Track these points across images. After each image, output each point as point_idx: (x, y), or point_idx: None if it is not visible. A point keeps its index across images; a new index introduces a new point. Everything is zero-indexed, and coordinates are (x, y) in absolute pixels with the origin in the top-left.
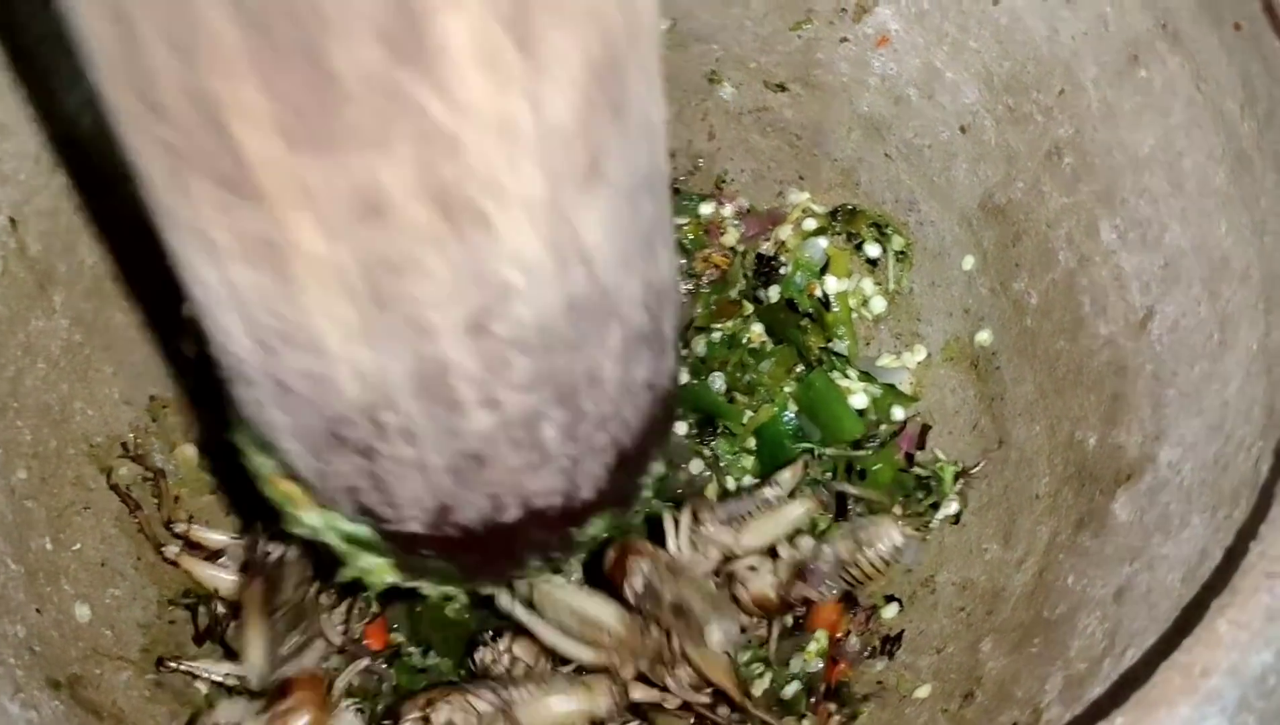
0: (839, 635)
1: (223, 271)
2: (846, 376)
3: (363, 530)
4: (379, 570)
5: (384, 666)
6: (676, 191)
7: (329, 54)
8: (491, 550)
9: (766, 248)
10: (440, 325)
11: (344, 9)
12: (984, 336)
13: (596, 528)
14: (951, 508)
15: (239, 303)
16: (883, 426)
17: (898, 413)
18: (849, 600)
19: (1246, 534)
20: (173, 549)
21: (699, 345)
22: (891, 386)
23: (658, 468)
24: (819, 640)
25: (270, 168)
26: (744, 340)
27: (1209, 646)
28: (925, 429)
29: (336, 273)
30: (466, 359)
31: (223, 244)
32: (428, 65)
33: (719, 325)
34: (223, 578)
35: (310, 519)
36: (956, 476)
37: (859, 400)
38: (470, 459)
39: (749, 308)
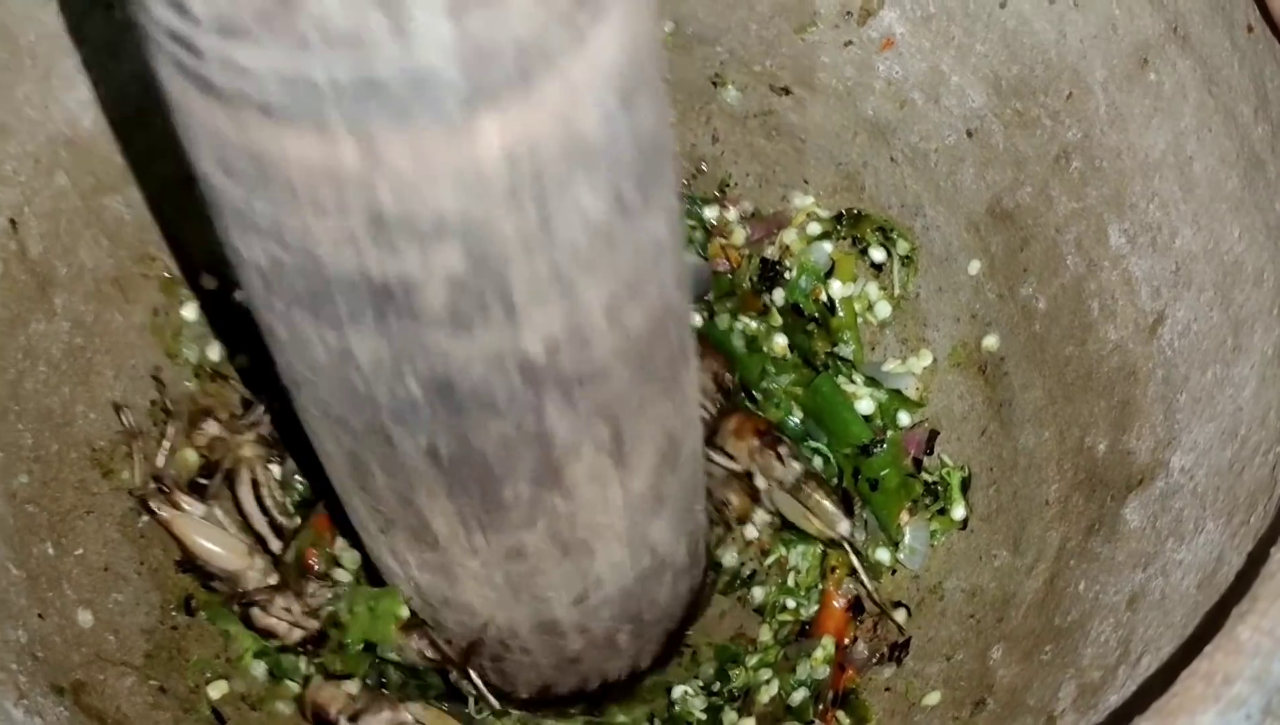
0: (846, 641)
1: (406, 571)
2: (852, 382)
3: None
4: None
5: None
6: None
7: (499, 492)
8: (576, 704)
9: (771, 252)
10: (554, 600)
11: (510, 471)
12: (991, 342)
13: (652, 680)
14: (958, 513)
15: (415, 586)
16: (889, 432)
17: (904, 418)
18: (856, 607)
19: (1267, 539)
20: (165, 511)
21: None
22: (897, 392)
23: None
24: (825, 647)
25: (450, 538)
26: (765, 348)
27: (1230, 654)
28: (933, 434)
29: (488, 580)
30: (570, 616)
31: (410, 561)
32: (561, 488)
33: (744, 317)
34: (206, 544)
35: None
36: (963, 482)
37: (865, 406)
38: (568, 660)
39: (765, 300)
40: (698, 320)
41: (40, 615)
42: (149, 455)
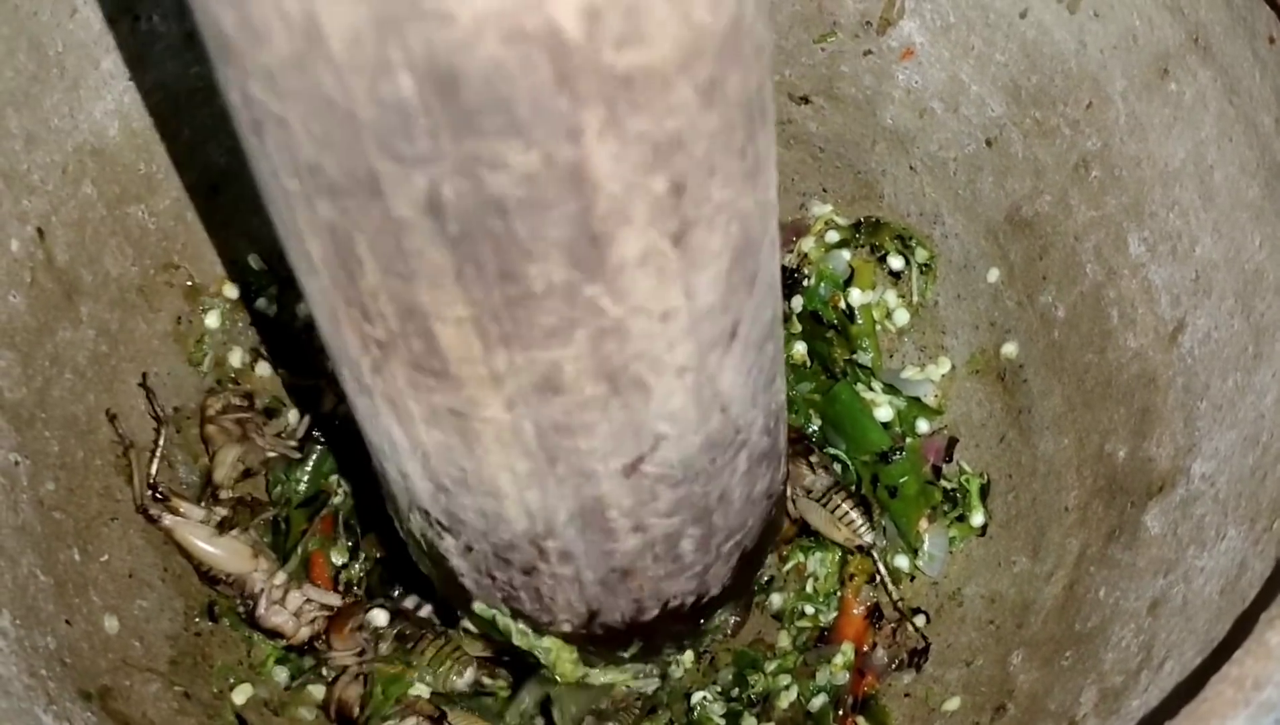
0: (865, 648)
1: (411, 433)
2: (871, 389)
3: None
4: (558, 654)
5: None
6: None
7: (526, 274)
8: (630, 641)
9: (789, 259)
10: (601, 471)
11: (540, 238)
12: (1010, 349)
13: (721, 617)
14: (977, 520)
15: (423, 456)
16: (908, 439)
17: (922, 426)
18: (875, 614)
19: None
20: (166, 518)
21: None
22: (916, 399)
23: (767, 558)
24: (845, 653)
25: (466, 361)
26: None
27: (1260, 659)
28: (952, 442)
29: (515, 435)
30: (621, 495)
31: (415, 413)
32: (606, 276)
33: None
34: (209, 549)
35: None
36: (982, 489)
37: (884, 413)
38: (619, 573)
39: (785, 308)
40: None
41: (68, 621)
42: (171, 462)
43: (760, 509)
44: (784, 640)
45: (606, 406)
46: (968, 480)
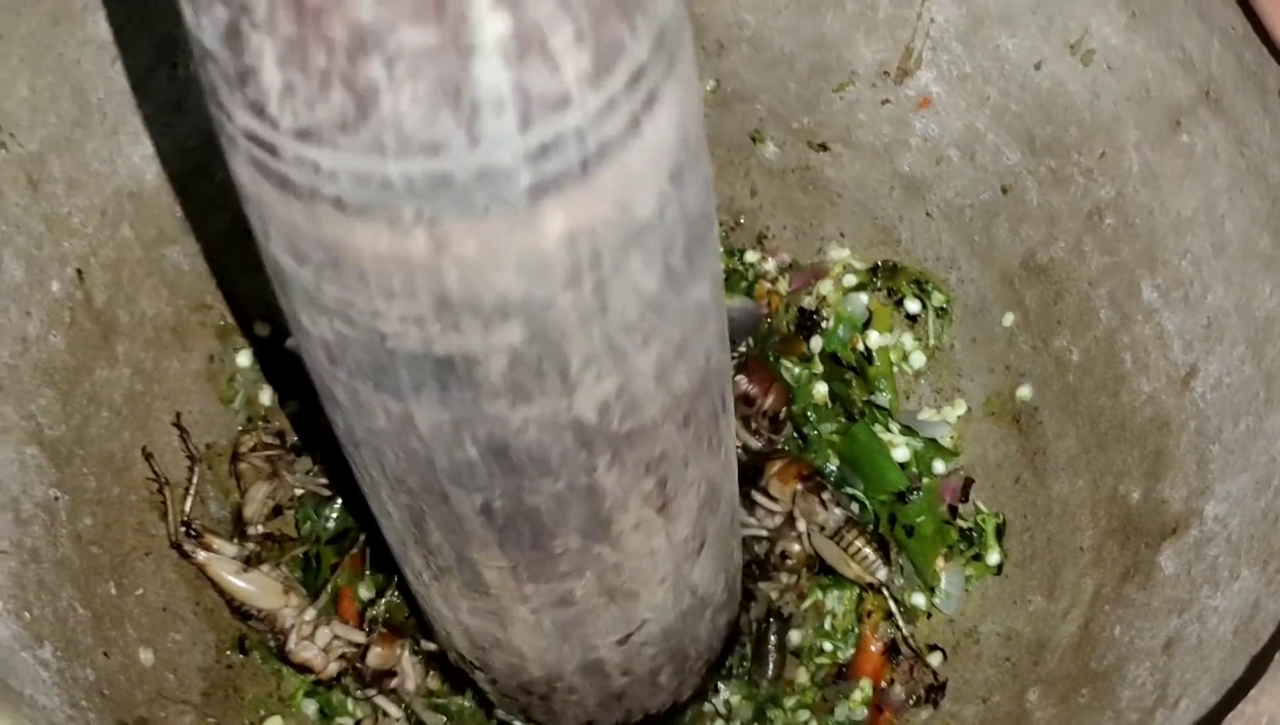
0: (883, 684)
1: (457, 616)
2: (889, 430)
3: None
4: None
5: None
6: None
7: (550, 544)
8: None
9: (808, 302)
10: (601, 644)
11: (561, 525)
12: (1025, 392)
13: (691, 713)
14: (993, 559)
15: (464, 630)
16: (925, 480)
17: (939, 466)
18: (892, 650)
19: None
20: (200, 554)
21: None
22: (933, 441)
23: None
24: (863, 689)
25: (503, 588)
26: (808, 395)
27: (1275, 698)
28: (968, 482)
29: (538, 626)
30: (615, 655)
31: (462, 608)
32: (608, 539)
33: (786, 361)
34: (241, 585)
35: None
36: (998, 529)
37: (901, 453)
38: (613, 696)
39: (806, 347)
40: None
41: (105, 654)
42: (203, 499)
43: (722, 634)
44: (803, 676)
45: (606, 609)
46: (984, 520)
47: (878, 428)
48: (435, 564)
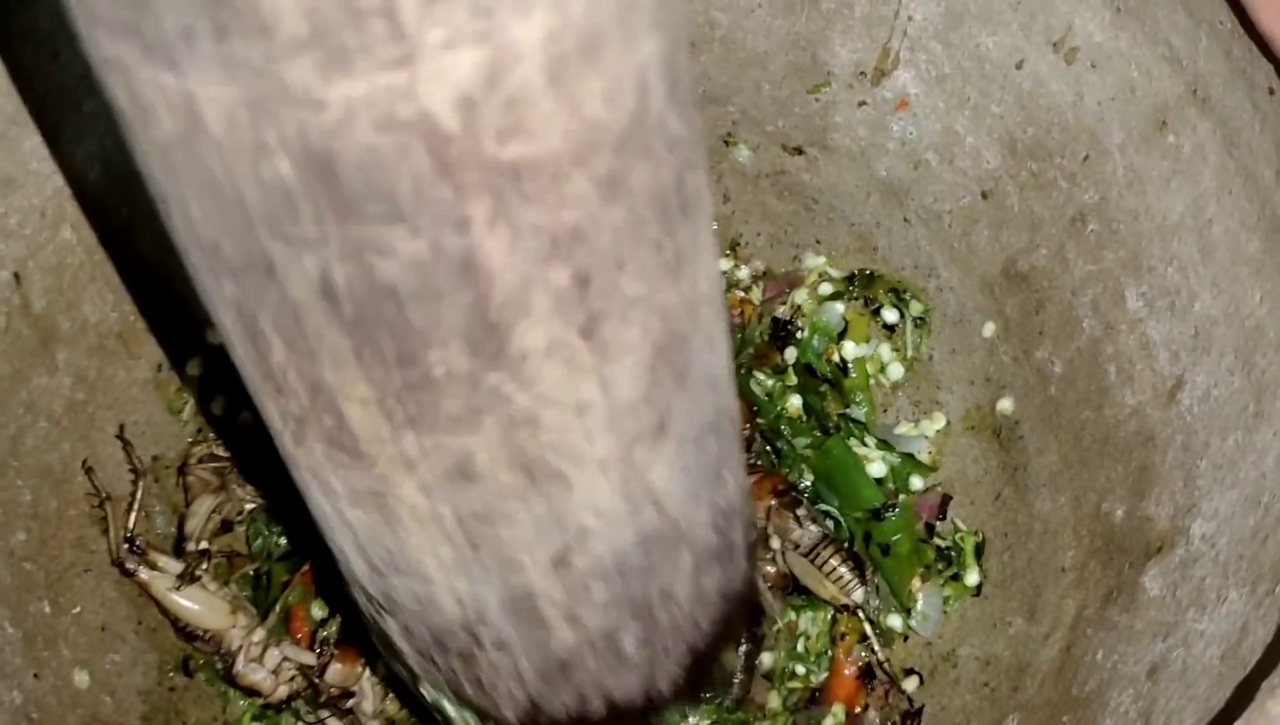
0: (856, 709)
1: (338, 510)
2: (864, 444)
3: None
4: None
5: None
6: None
7: (424, 359)
8: None
9: (782, 311)
10: (527, 562)
11: (435, 325)
12: (1006, 405)
13: (673, 716)
14: (972, 579)
15: (353, 534)
16: (901, 496)
17: (916, 482)
18: (866, 674)
19: None
20: (143, 572)
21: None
22: (910, 456)
23: (730, 659)
24: (836, 714)
25: (376, 441)
26: (780, 408)
27: None
28: (946, 499)
29: (435, 521)
30: (551, 587)
31: (338, 489)
32: (509, 365)
33: (759, 373)
34: (186, 604)
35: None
36: (977, 548)
37: (877, 468)
38: (557, 665)
39: (780, 358)
40: None
41: (36, 675)
42: (149, 513)
43: (713, 609)
44: (774, 701)
45: (525, 497)
46: (962, 539)
47: (853, 442)
48: (291, 412)
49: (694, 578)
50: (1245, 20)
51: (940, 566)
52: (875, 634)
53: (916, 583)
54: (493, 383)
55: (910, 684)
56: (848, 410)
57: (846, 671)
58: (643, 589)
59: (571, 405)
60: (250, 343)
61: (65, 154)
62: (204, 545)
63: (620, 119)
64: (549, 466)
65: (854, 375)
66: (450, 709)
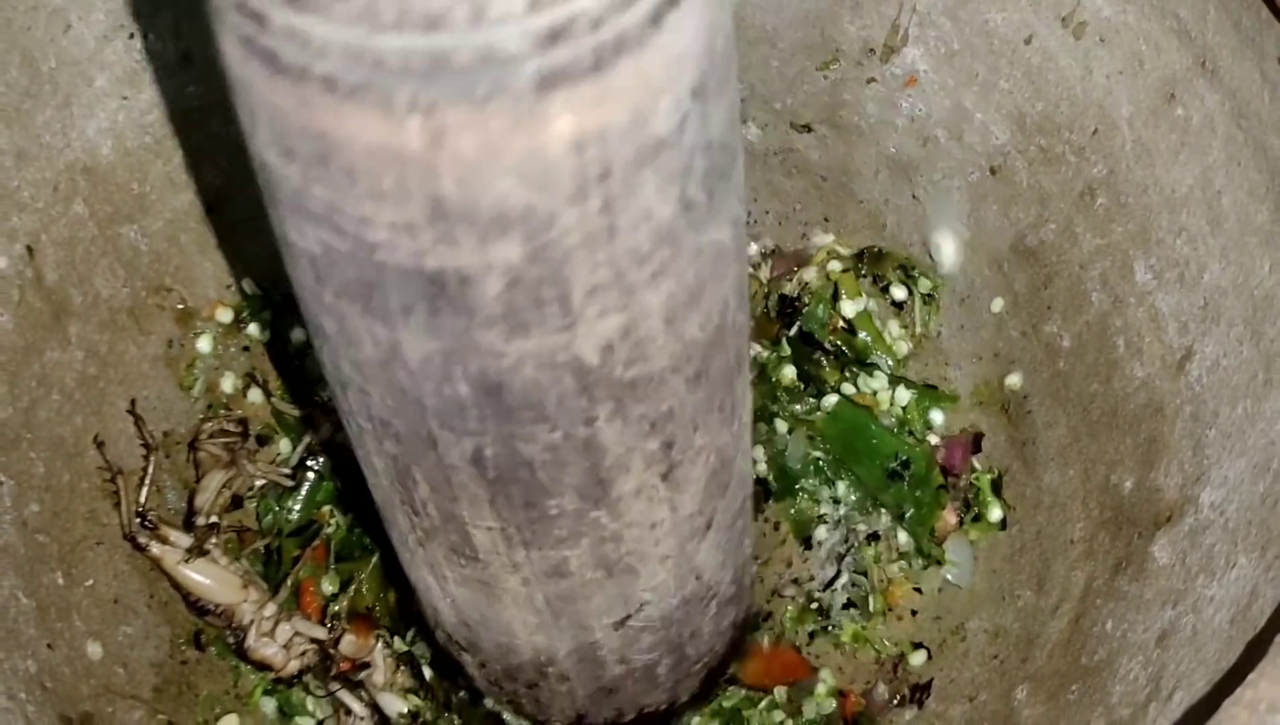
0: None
1: (444, 587)
2: (873, 378)
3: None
4: None
5: None
6: None
7: (545, 505)
8: None
9: (790, 288)
10: (596, 626)
11: (558, 483)
12: (1014, 380)
13: (688, 716)
14: (995, 514)
15: (451, 601)
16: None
17: (936, 417)
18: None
19: None
20: (154, 547)
21: None
22: (931, 387)
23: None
24: (825, 680)
25: (493, 554)
26: (774, 378)
27: (1274, 682)
28: (978, 437)
29: (528, 600)
30: (611, 641)
31: (449, 576)
32: (609, 505)
33: (756, 345)
34: (197, 578)
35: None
36: (993, 484)
37: (901, 396)
38: (605, 690)
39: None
40: None
41: (49, 645)
42: (160, 488)
43: (726, 637)
44: None
45: (603, 585)
46: (978, 478)
47: (862, 380)
48: (422, 526)
49: (716, 619)
50: None
51: (961, 512)
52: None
53: (941, 525)
54: (593, 517)
55: (919, 658)
56: (872, 361)
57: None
58: (678, 633)
59: (648, 524)
60: (398, 481)
61: (78, 128)
62: (213, 519)
63: (709, 334)
64: (624, 564)
65: (863, 334)
66: (509, 717)
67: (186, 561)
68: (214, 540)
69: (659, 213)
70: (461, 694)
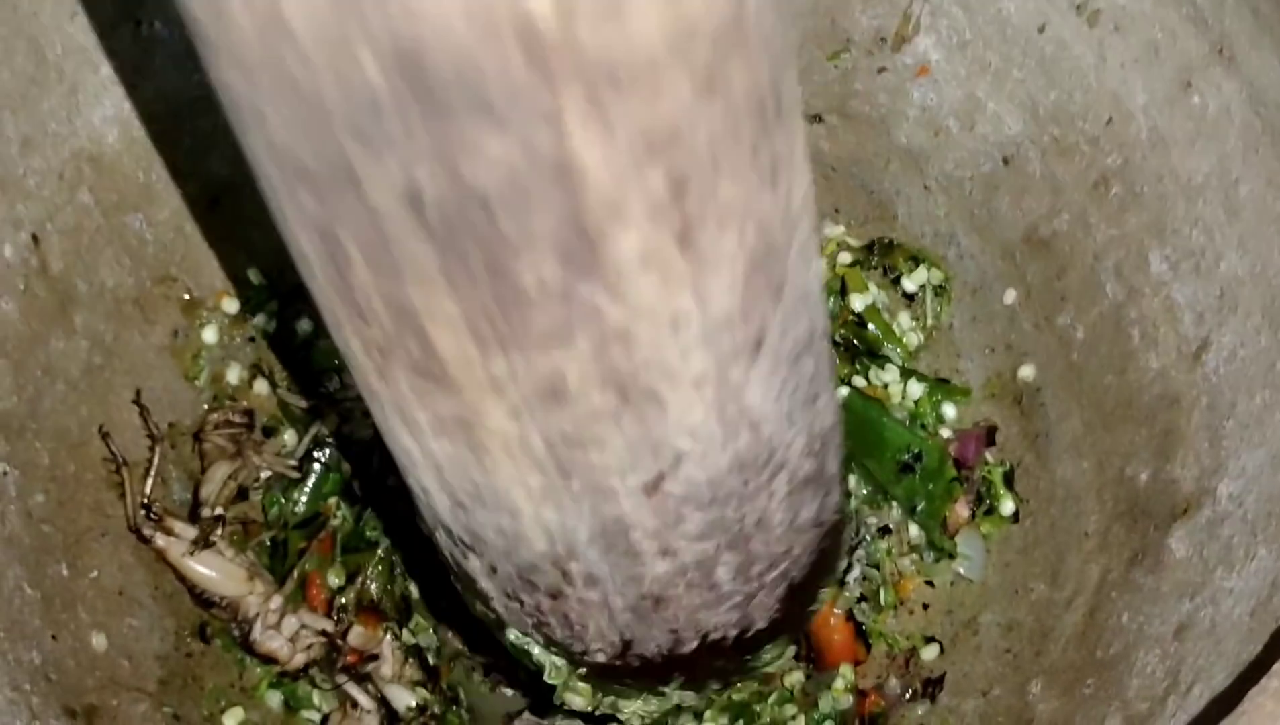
0: (860, 660)
1: (422, 443)
2: (884, 371)
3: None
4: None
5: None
6: None
7: (514, 271)
8: (670, 676)
9: None
10: (619, 488)
11: (526, 233)
12: (1027, 372)
13: (771, 653)
14: (1008, 508)
15: (436, 469)
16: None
17: (949, 411)
18: (859, 631)
19: None
20: (159, 538)
21: None
22: (943, 381)
23: (825, 592)
24: (845, 675)
25: (462, 363)
26: None
27: None
28: (992, 430)
29: (524, 447)
30: (644, 515)
31: (422, 421)
32: (603, 275)
33: None
34: (202, 570)
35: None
36: (1006, 476)
37: (914, 389)
38: (650, 600)
39: None
40: None
41: (54, 637)
42: (165, 479)
43: (807, 537)
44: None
45: (618, 418)
46: (990, 471)
47: (874, 373)
48: (376, 341)
49: (790, 505)
50: None
51: (974, 505)
52: (860, 602)
53: (953, 517)
54: (585, 294)
55: (931, 652)
56: (885, 353)
57: (836, 637)
58: (738, 517)
59: (666, 319)
60: (331, 264)
61: (83, 116)
62: (219, 511)
63: (718, 11)
64: (642, 385)
65: (871, 325)
66: (538, 652)
67: (192, 553)
68: (219, 532)
69: None
70: (475, 675)
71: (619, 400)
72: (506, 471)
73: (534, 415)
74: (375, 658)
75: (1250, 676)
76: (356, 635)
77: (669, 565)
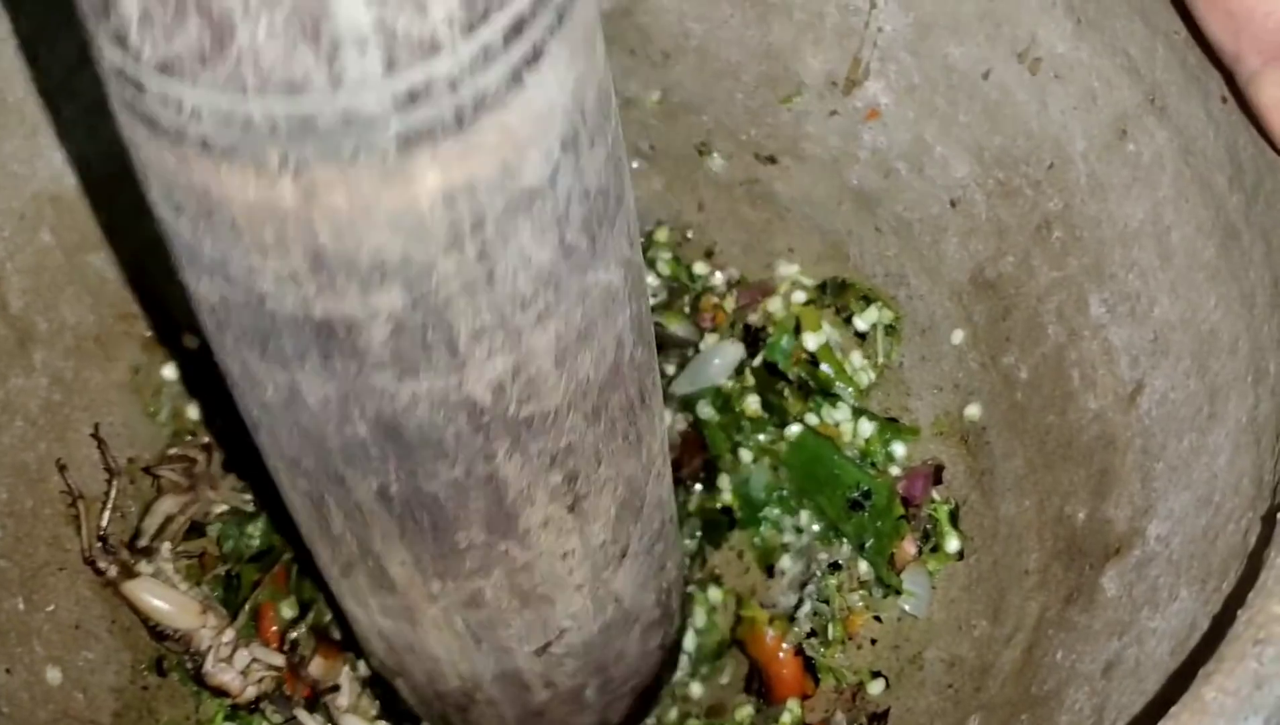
0: (808, 695)
1: (369, 616)
2: (835, 409)
3: None
4: None
5: None
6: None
7: (453, 536)
8: None
9: (755, 319)
10: (517, 651)
11: (463, 514)
12: (973, 411)
13: None
14: (953, 545)
15: (379, 630)
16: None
17: (898, 449)
18: (808, 666)
19: (1234, 602)
20: (114, 572)
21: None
22: (892, 420)
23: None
24: (792, 709)
25: (408, 583)
26: (738, 408)
27: (1195, 714)
28: (939, 469)
29: (449, 627)
30: (534, 665)
31: (372, 605)
32: (516, 536)
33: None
34: (156, 603)
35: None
36: (951, 514)
37: (865, 428)
38: (534, 713)
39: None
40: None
41: (8, 670)
42: (124, 514)
43: (654, 658)
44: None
45: (520, 613)
46: (936, 509)
47: (826, 411)
48: (341, 557)
49: (641, 641)
50: (1196, 30)
51: (920, 543)
52: (810, 637)
53: (899, 554)
54: (502, 548)
55: (877, 686)
56: (835, 392)
57: (784, 671)
58: (602, 658)
59: (559, 555)
60: (315, 513)
61: (45, 158)
62: (154, 544)
63: (604, 372)
64: (539, 593)
65: (824, 365)
66: None
67: (125, 580)
68: (171, 563)
69: (538, 257)
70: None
71: (521, 603)
72: (434, 638)
73: (458, 611)
74: (336, 688)
75: (1155, 715)
76: (317, 666)
77: (550, 693)
